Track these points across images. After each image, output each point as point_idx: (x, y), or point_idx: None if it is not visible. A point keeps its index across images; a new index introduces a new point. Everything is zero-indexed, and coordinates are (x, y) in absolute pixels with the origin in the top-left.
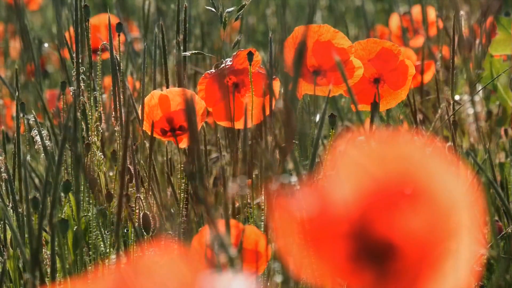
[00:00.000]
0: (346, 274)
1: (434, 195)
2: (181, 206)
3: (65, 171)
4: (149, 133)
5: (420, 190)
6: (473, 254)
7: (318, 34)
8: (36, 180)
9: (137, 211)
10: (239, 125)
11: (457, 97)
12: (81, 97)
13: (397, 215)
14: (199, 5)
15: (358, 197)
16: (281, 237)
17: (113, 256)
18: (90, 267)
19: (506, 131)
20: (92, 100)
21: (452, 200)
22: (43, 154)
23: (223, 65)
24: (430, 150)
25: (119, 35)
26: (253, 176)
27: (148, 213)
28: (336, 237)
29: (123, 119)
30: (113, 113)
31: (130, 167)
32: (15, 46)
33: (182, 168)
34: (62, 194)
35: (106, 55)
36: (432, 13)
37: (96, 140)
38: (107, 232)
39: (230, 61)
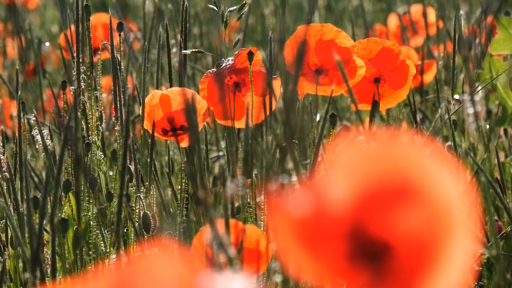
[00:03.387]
0: (343, 274)
1: (431, 194)
2: (181, 206)
3: (65, 171)
4: (150, 132)
5: (417, 189)
6: (470, 253)
7: (321, 33)
8: (36, 180)
9: (137, 210)
10: (239, 124)
11: (456, 97)
12: (81, 97)
13: (394, 215)
14: (198, 5)
15: (355, 196)
16: (279, 237)
17: (113, 256)
18: (90, 267)
19: (505, 131)
20: (92, 100)
21: (449, 200)
22: (43, 154)
23: (224, 64)
24: (429, 150)
25: (120, 35)
26: (253, 175)
27: (148, 212)
28: (332, 237)
29: (123, 118)
30: (113, 112)
31: (130, 166)
32: (14, 46)
33: (182, 168)
34: (63, 194)
35: (106, 55)
36: (431, 13)
37: (96, 139)
38: (107, 231)
39: (232, 60)
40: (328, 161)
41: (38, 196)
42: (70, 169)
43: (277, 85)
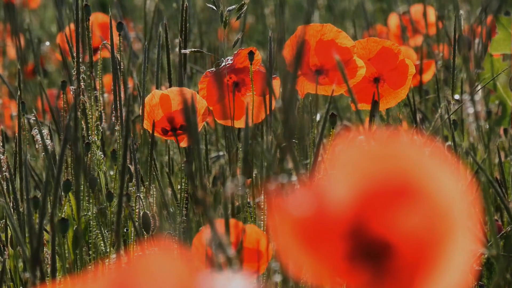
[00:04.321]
0: (343, 274)
1: (431, 194)
2: (181, 206)
3: (65, 171)
4: (150, 132)
5: (417, 189)
6: (471, 253)
7: (321, 34)
8: (36, 179)
9: (137, 210)
10: (239, 124)
11: (456, 97)
12: (81, 97)
13: (394, 214)
14: (197, 4)
15: (355, 196)
16: (279, 237)
17: (113, 256)
18: (90, 267)
19: (505, 131)
20: (92, 100)
21: (449, 199)
22: (43, 154)
23: (223, 63)
24: (429, 150)
25: (119, 35)
26: (253, 175)
27: (148, 212)
28: (332, 236)
29: (123, 118)
30: (113, 112)
31: (130, 166)
32: (13, 45)
33: (182, 168)
34: (63, 194)
35: (106, 55)
36: (431, 12)
37: (96, 139)
38: (107, 231)
39: (231, 59)
40: (328, 161)
41: (38, 196)
42: (70, 169)
43: (277, 84)
